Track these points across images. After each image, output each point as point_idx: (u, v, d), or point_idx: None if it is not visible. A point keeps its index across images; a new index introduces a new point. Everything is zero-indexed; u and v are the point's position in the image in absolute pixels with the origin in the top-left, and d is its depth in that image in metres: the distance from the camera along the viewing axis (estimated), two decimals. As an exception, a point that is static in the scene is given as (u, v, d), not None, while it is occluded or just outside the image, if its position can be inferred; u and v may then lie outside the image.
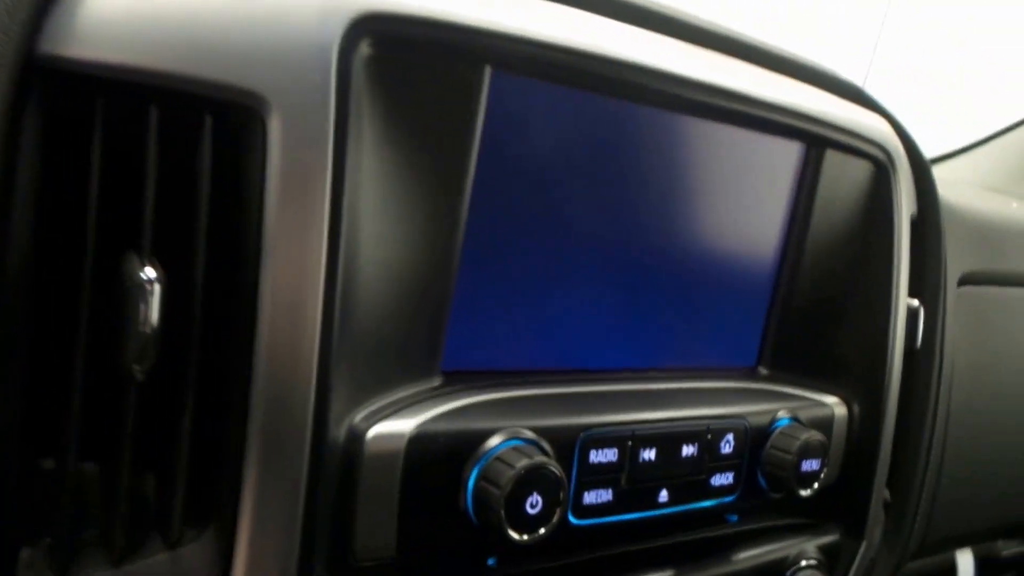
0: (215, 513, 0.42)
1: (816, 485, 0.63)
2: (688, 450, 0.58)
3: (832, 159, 0.69)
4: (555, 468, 0.47)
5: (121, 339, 0.38)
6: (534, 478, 0.47)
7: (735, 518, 0.67)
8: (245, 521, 0.41)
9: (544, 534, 0.47)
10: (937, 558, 1.02)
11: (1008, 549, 1.14)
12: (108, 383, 0.39)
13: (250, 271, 0.40)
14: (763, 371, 0.71)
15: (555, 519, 0.48)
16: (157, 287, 0.38)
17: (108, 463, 0.41)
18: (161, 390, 0.40)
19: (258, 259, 0.40)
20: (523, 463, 0.46)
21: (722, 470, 0.60)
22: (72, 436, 0.38)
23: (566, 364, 0.58)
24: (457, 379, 0.52)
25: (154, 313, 0.38)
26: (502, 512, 0.46)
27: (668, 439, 0.56)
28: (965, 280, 0.93)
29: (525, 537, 0.47)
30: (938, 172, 0.84)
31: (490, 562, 0.53)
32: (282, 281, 0.41)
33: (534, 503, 0.47)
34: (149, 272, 0.38)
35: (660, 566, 0.60)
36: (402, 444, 0.46)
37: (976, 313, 0.94)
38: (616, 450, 0.54)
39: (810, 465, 0.62)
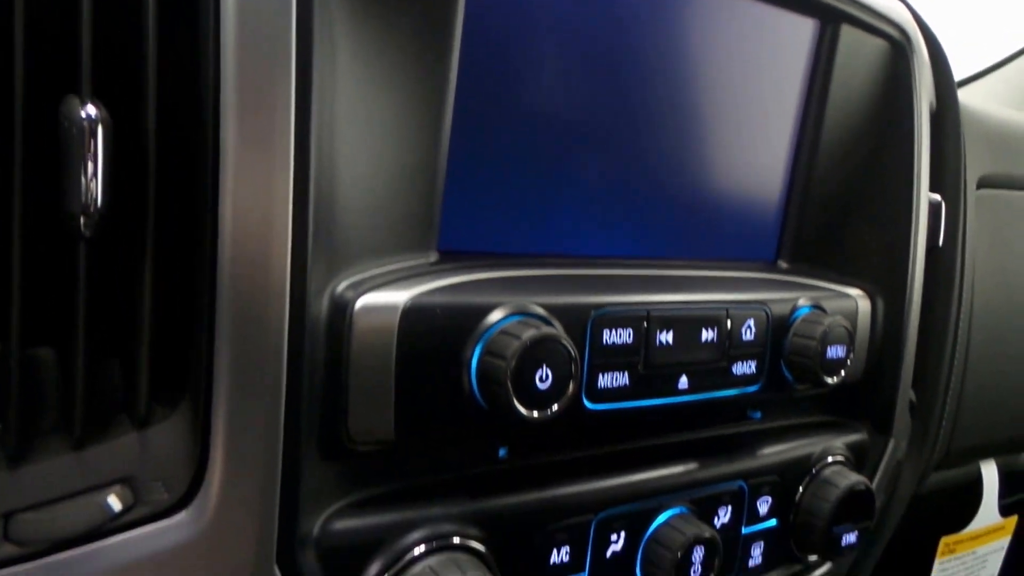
0: (187, 389, 0.35)
1: (843, 373, 0.56)
2: (708, 335, 0.51)
3: (848, 37, 0.61)
4: (566, 341, 0.41)
5: (63, 186, 0.31)
6: (543, 351, 0.40)
7: (759, 415, 0.61)
8: (220, 398, 0.35)
9: (556, 412, 0.41)
10: (962, 470, 0.95)
11: (1031, 464, 1.07)
12: (57, 249, 0.33)
13: (209, 124, 0.34)
14: (783, 264, 0.64)
15: (568, 395, 0.41)
16: (100, 129, 0.32)
17: (65, 343, 0.35)
18: (117, 257, 0.34)
19: (217, 109, 0.34)
20: (530, 334, 0.40)
21: (744, 358, 0.53)
22: (15, 301, 0.32)
23: (573, 250, 0.52)
24: (455, 259, 0.45)
25: (97, 156, 0.31)
26: (509, 386, 0.39)
27: (686, 322, 0.50)
28: (984, 183, 0.86)
29: (535, 414, 0.40)
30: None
31: (501, 452, 0.47)
32: (248, 135, 0.34)
33: (544, 377, 0.41)
34: (90, 111, 0.32)
35: (681, 460, 0.54)
36: (395, 317, 0.39)
37: (997, 217, 0.87)
38: (631, 331, 0.47)
39: (835, 352, 0.56)
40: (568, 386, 0.41)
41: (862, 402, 0.67)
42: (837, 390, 0.64)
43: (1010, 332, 0.91)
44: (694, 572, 0.50)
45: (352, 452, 0.40)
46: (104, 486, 0.34)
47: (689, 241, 0.58)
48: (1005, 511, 1.02)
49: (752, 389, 0.55)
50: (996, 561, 1.05)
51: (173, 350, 0.36)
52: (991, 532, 1.02)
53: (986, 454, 0.96)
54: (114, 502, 0.34)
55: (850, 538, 0.60)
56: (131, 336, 0.35)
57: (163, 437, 0.35)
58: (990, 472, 0.97)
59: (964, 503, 0.97)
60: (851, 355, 0.57)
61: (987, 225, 0.85)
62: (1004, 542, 1.05)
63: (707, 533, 0.50)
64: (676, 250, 0.57)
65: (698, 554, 0.50)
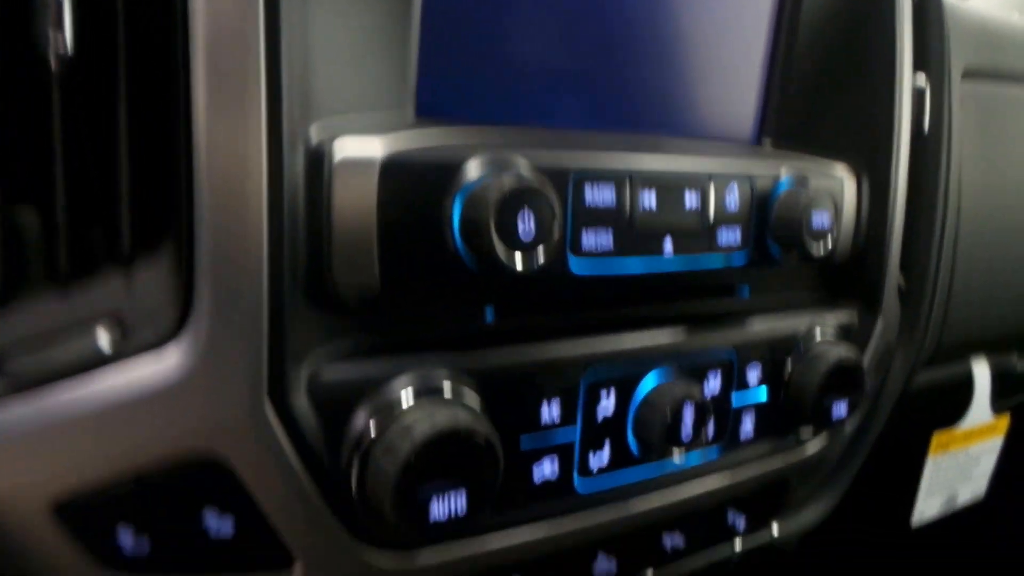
0: (168, 230, 0.35)
1: (828, 243, 0.56)
2: (691, 200, 0.51)
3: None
4: (547, 190, 0.41)
5: (33, 31, 0.31)
6: (524, 200, 0.40)
7: (747, 292, 0.61)
8: (203, 236, 0.35)
9: (542, 264, 0.41)
10: (953, 367, 0.96)
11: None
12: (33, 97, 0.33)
13: None
14: (767, 145, 0.64)
15: (552, 244, 0.41)
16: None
17: (46, 197, 0.34)
18: (93, 104, 0.34)
19: None
20: (511, 182, 0.40)
21: (728, 224, 0.53)
22: None
23: (552, 122, 0.52)
24: (433, 122, 0.45)
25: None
26: (492, 234, 0.39)
27: (669, 185, 0.50)
28: (969, 73, 0.85)
29: (520, 265, 0.40)
30: None
31: (488, 315, 0.47)
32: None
33: (526, 226, 0.41)
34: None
35: (669, 329, 0.54)
36: (375, 168, 0.39)
37: (983, 110, 0.87)
38: (613, 190, 0.47)
39: (820, 220, 0.56)
40: (552, 233, 0.41)
41: (850, 284, 0.67)
42: (825, 270, 0.64)
43: (998, 229, 0.91)
44: (685, 433, 0.50)
45: (340, 303, 0.40)
46: (92, 322, 0.34)
47: (670, 118, 0.58)
48: (997, 411, 1.03)
49: (739, 258, 0.55)
50: (989, 461, 1.07)
51: (153, 195, 0.36)
52: (983, 431, 1.03)
53: (977, 350, 0.97)
54: (103, 337, 0.34)
55: (841, 410, 0.60)
56: (110, 176, 0.34)
57: (148, 276, 0.35)
58: (981, 370, 0.98)
59: (955, 400, 0.98)
60: (836, 226, 0.57)
61: (973, 118, 0.85)
62: (997, 442, 1.06)
63: (697, 393, 0.51)
64: (657, 127, 0.57)
65: (688, 415, 0.50)
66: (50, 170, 0.34)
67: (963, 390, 0.98)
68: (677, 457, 0.50)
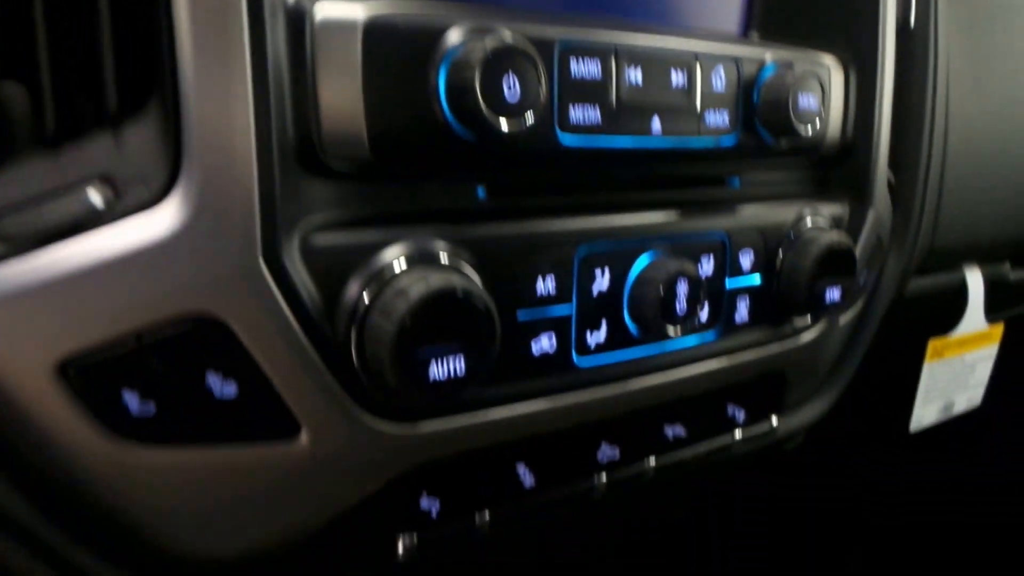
0: (154, 89, 0.35)
1: (817, 125, 0.56)
2: (677, 78, 0.51)
3: None
4: (532, 51, 0.41)
5: None
6: (509, 61, 0.40)
7: (737, 182, 0.61)
8: (189, 94, 0.35)
9: (530, 127, 0.41)
10: (946, 275, 0.97)
11: (1016, 275, 1.08)
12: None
13: None
14: (753, 37, 0.63)
15: (540, 107, 0.41)
16: None
17: (29, 63, 0.34)
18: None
19: None
20: (494, 43, 0.40)
21: (715, 106, 0.53)
22: None
23: (533, 5, 0.51)
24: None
25: None
26: (478, 97, 0.39)
27: (655, 62, 0.50)
28: (955, -29, 0.84)
29: (506, 126, 0.40)
30: None
31: (480, 193, 0.47)
32: None
33: (512, 92, 0.41)
34: None
35: (662, 211, 0.54)
36: (357, 33, 0.39)
37: (970, 6, 0.86)
38: (599, 64, 0.47)
39: (807, 102, 0.56)
40: (539, 98, 0.41)
41: (840, 178, 0.67)
42: (815, 165, 0.65)
43: (988, 130, 0.91)
44: (680, 308, 0.51)
45: (331, 171, 0.40)
46: (83, 184, 0.34)
47: (656, 8, 0.57)
48: (991, 320, 1.04)
49: (727, 141, 0.55)
50: (984, 369, 1.08)
51: (136, 57, 0.36)
52: (978, 339, 1.04)
53: (969, 257, 0.97)
54: (95, 196, 0.34)
55: (834, 295, 0.61)
56: (93, 38, 0.34)
57: (137, 137, 0.35)
58: (975, 277, 0.98)
59: (949, 308, 0.98)
60: (824, 110, 0.57)
61: (961, 13, 0.84)
62: (991, 350, 1.07)
63: (691, 270, 0.51)
64: (643, 16, 0.57)
65: (683, 290, 0.51)
66: (32, 34, 0.34)
67: (957, 298, 0.98)
68: (673, 332, 0.51)
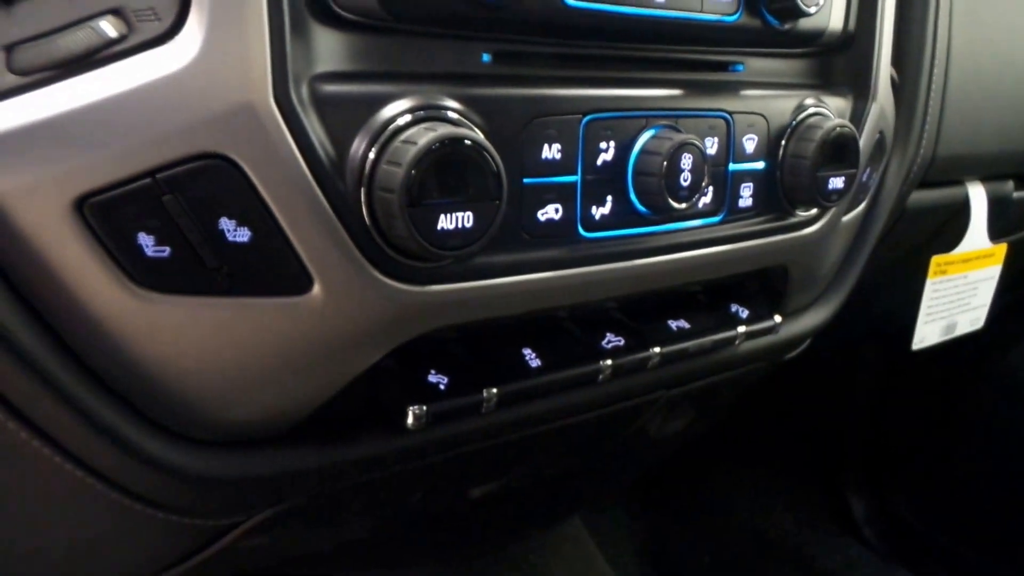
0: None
1: (820, 4, 0.58)
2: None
3: None
4: None
5: None
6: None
7: (742, 67, 0.63)
8: None
9: None
10: (949, 190, 0.99)
11: (1020, 194, 1.10)
12: None
13: None
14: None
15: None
16: None
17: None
18: None
19: None
20: None
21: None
22: None
23: None
24: None
25: None
26: None
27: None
28: None
29: None
30: None
31: (485, 58, 0.49)
32: None
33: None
34: None
35: (667, 88, 0.56)
36: None
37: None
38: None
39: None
40: None
41: (844, 69, 0.69)
42: (818, 53, 0.66)
43: (991, 41, 0.93)
44: (683, 182, 0.53)
45: (342, 20, 0.42)
46: (96, 16, 0.36)
47: None
48: (995, 240, 1.07)
49: (729, 19, 0.56)
50: (987, 289, 1.11)
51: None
52: (981, 257, 1.07)
53: (972, 172, 1.00)
54: (108, 27, 0.36)
55: (837, 183, 0.63)
56: None
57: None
58: (977, 193, 1.01)
59: (952, 225, 1.01)
60: None
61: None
62: (994, 271, 1.10)
63: (694, 142, 0.53)
64: None
65: (687, 163, 0.53)
66: None
67: (959, 215, 1.01)
68: (676, 207, 0.53)
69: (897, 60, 0.76)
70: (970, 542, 1.58)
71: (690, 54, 0.59)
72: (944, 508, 1.63)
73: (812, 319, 0.81)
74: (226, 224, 0.40)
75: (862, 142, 0.67)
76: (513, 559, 1.46)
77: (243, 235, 0.40)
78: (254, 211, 0.40)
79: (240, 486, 0.51)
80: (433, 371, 0.53)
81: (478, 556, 1.41)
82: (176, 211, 0.38)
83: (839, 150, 0.63)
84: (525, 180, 0.49)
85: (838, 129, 0.62)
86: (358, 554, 1.07)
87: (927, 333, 1.03)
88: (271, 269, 0.42)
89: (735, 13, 0.57)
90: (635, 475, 1.49)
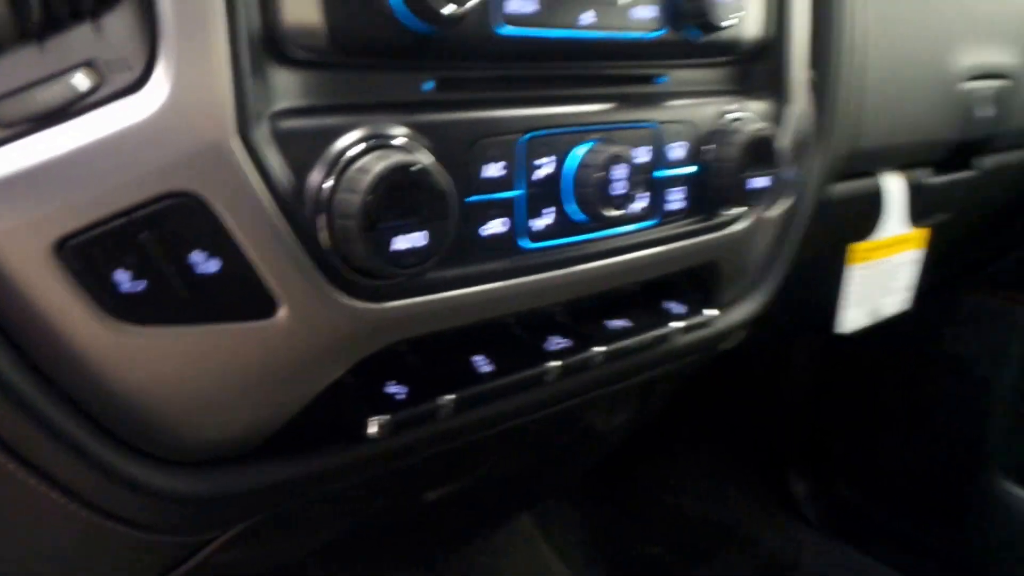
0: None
1: (736, 19, 0.64)
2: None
3: None
4: None
5: None
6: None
7: (666, 80, 0.69)
8: None
9: (469, 14, 0.48)
10: (867, 181, 1.07)
11: (938, 180, 1.19)
12: None
13: None
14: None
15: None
16: None
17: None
18: None
19: None
20: None
21: (641, 2, 0.61)
22: None
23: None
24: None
25: None
26: None
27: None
28: None
29: (447, 10, 0.47)
30: None
31: (431, 86, 0.53)
32: None
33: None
34: None
35: (597, 104, 0.62)
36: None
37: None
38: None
39: (727, -3, 0.64)
40: None
41: (762, 76, 0.76)
42: (738, 62, 0.73)
43: (906, 37, 1.01)
44: (617, 191, 0.59)
45: (296, 60, 0.46)
46: (69, 70, 0.39)
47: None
48: (916, 225, 1.16)
49: (653, 35, 0.62)
50: (908, 273, 1.20)
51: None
52: (901, 242, 1.16)
53: (891, 161, 1.08)
54: (81, 80, 0.39)
55: (760, 184, 0.70)
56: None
57: (116, 25, 0.40)
58: (893, 183, 1.09)
59: (875, 213, 1.10)
60: (743, 5, 0.66)
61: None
62: (915, 254, 1.19)
63: (626, 155, 0.59)
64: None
65: (619, 174, 0.59)
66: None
67: (877, 204, 1.10)
68: (612, 215, 0.59)
69: (815, 63, 0.84)
70: (905, 515, 1.69)
71: (619, 70, 0.65)
72: (879, 484, 1.74)
73: (744, 311, 0.88)
74: (197, 256, 0.44)
75: (781, 143, 0.74)
76: (464, 560, 1.51)
77: (213, 266, 0.44)
78: (222, 243, 0.44)
79: (213, 503, 0.55)
80: (391, 382, 0.58)
81: (433, 560, 1.46)
82: (151, 247, 0.42)
83: (760, 152, 0.69)
84: (472, 198, 0.54)
85: (757, 132, 0.69)
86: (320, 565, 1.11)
87: (852, 317, 1.11)
88: (239, 296, 0.46)
89: (657, 30, 0.63)
90: (585, 469, 1.55)
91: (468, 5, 0.47)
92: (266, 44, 0.45)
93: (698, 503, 1.84)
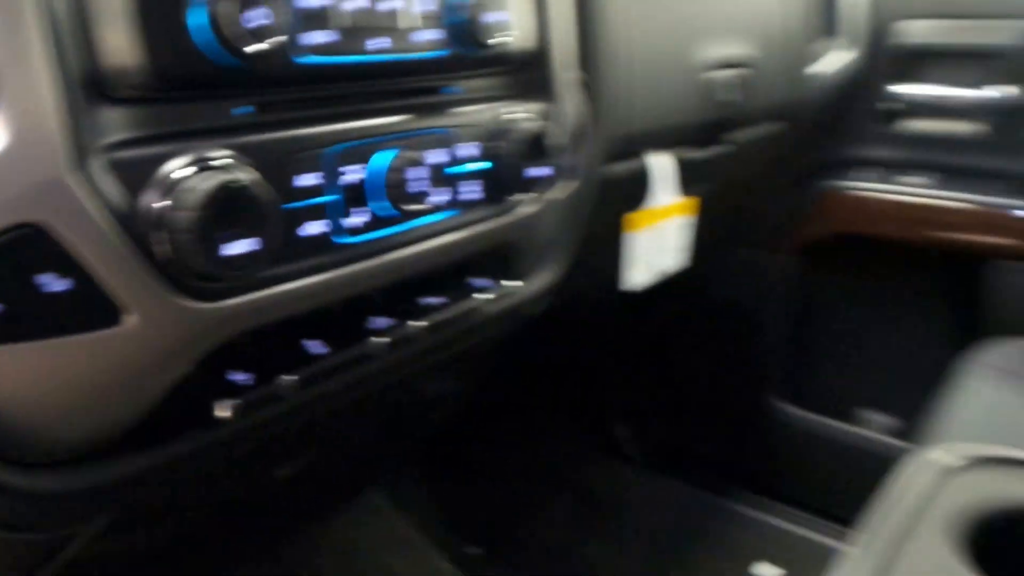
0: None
1: (504, 35, 0.75)
2: (387, 4, 0.66)
3: None
4: None
5: None
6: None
7: (453, 90, 0.78)
8: None
9: (269, 50, 0.55)
10: (639, 160, 1.22)
11: (699, 154, 1.36)
12: None
13: None
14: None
15: (277, 29, 0.55)
16: None
17: None
18: None
19: None
20: None
21: (422, 27, 0.70)
22: None
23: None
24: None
25: None
26: (222, 30, 0.52)
27: (369, -6, 0.65)
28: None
29: (249, 49, 0.53)
30: None
31: (250, 110, 0.60)
32: None
33: (249, 20, 0.54)
34: None
35: (394, 116, 0.70)
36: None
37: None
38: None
39: (494, 17, 0.74)
40: (274, 24, 0.55)
41: (537, 80, 0.87)
42: (514, 70, 0.83)
43: (662, 33, 1.16)
44: (417, 189, 0.68)
45: (120, 98, 0.52)
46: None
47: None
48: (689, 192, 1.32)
49: (434, 54, 0.72)
50: (680, 237, 1.36)
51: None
52: (671, 210, 1.32)
53: (660, 141, 1.23)
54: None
55: (539, 173, 0.81)
56: None
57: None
58: (658, 160, 1.24)
59: (646, 187, 1.25)
60: (510, 22, 0.76)
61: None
62: (686, 220, 1.36)
63: (423, 159, 0.68)
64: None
65: (419, 175, 0.68)
66: None
67: (646, 179, 1.25)
68: (412, 210, 0.68)
69: (584, 64, 0.96)
70: (707, 441, 1.91)
71: (410, 84, 0.74)
72: (684, 419, 1.96)
73: (543, 280, 0.99)
74: (46, 278, 0.49)
75: (554, 137, 0.85)
76: (323, 535, 1.57)
77: (62, 285, 0.49)
78: (68, 265, 0.49)
79: (75, 497, 0.59)
80: (235, 372, 0.64)
81: (292, 534, 1.51)
82: (2, 273, 0.47)
83: (536, 146, 0.81)
84: (291, 205, 0.61)
85: (532, 129, 0.80)
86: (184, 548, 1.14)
87: (633, 276, 1.26)
88: (89, 309, 0.51)
89: (438, 49, 0.72)
90: (425, 437, 1.64)
91: (269, 42, 0.54)
92: (92, 85, 0.51)
93: (534, 459, 1.99)
